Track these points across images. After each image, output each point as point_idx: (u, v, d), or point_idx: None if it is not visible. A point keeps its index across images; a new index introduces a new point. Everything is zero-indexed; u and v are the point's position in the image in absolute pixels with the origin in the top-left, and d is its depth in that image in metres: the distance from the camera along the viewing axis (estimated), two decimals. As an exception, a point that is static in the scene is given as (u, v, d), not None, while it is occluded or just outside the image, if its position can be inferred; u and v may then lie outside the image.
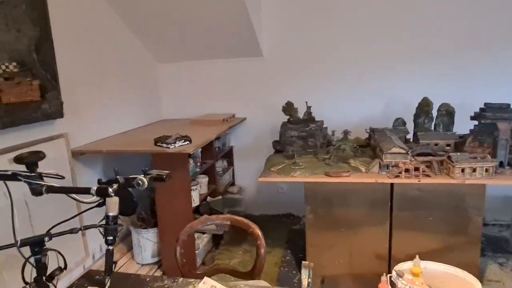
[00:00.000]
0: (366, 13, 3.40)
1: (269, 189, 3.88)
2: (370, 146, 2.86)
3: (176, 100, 3.95)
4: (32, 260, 1.33)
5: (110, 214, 1.37)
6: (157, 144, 2.59)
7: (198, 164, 3.08)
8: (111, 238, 1.40)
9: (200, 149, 3.15)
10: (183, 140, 2.57)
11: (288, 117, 2.95)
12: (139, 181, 1.13)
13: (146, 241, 2.91)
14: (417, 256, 1.47)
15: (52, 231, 1.36)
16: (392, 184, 2.41)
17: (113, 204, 1.35)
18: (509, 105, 2.62)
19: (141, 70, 3.61)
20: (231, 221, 1.82)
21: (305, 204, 2.55)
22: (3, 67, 2.03)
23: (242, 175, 3.95)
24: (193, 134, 2.91)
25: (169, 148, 2.50)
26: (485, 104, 2.72)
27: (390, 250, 2.54)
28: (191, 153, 2.48)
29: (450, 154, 2.26)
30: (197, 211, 3.17)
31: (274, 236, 3.53)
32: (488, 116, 2.62)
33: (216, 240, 3.32)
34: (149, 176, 1.18)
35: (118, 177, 1.14)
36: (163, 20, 3.24)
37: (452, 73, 3.37)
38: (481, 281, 2.65)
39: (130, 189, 1.32)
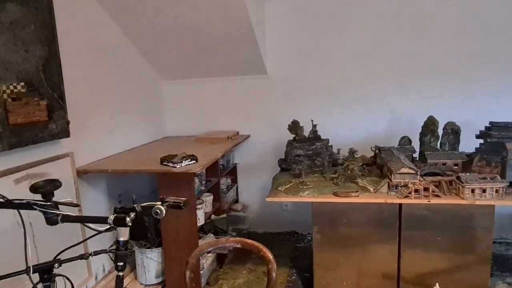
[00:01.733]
0: (370, 31, 3.44)
1: (273, 206, 3.85)
2: (376, 165, 2.85)
3: (180, 117, 3.95)
4: (40, 286, 1.30)
5: (121, 239, 1.35)
6: (163, 163, 2.57)
7: (203, 182, 3.06)
8: (121, 264, 1.37)
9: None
10: (189, 159, 2.55)
11: (294, 135, 2.95)
12: (157, 210, 1.11)
13: (150, 261, 2.86)
14: (437, 284, 1.44)
15: (61, 256, 1.33)
16: (400, 204, 2.39)
17: (124, 230, 1.33)
18: (515, 123, 2.62)
19: (146, 87, 3.61)
20: (242, 244, 1.79)
21: (312, 224, 2.52)
22: (11, 87, 2.02)
23: (246, 193, 3.92)
24: (198, 152, 2.90)
25: (175, 167, 2.48)
26: (491, 122, 2.73)
27: (398, 270, 2.51)
28: (198, 172, 2.46)
29: (460, 174, 2.25)
30: (202, 229, 3.14)
31: (278, 254, 3.48)
32: (494, 135, 2.63)
33: (220, 259, 3.27)
34: (167, 204, 1.16)
35: (135, 205, 1.12)
36: (169, 38, 3.26)
37: (456, 91, 3.39)
38: (491, 303, 2.62)
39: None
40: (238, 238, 1.83)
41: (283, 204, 3.86)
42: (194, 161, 2.59)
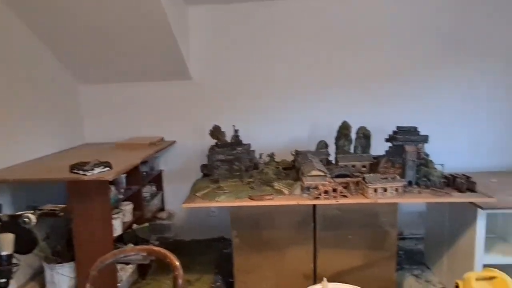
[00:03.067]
0: (293, 40, 3.57)
1: (199, 213, 3.81)
2: (295, 168, 2.95)
3: (100, 123, 3.77)
4: None
5: (3, 253, 1.24)
6: (73, 171, 2.43)
7: (122, 190, 2.93)
8: (4, 281, 1.26)
9: (125, 175, 3.02)
10: (102, 166, 2.44)
11: (215, 140, 2.95)
12: (25, 219, 1.04)
13: (62, 277, 2.66)
14: (324, 279, 1.51)
15: None
16: (314, 205, 2.49)
17: (5, 242, 1.23)
18: (416, 128, 2.87)
19: (60, 91, 3.39)
20: (148, 252, 1.73)
21: (231, 228, 2.54)
22: None
23: (173, 200, 3.83)
24: (116, 159, 2.78)
25: (86, 175, 2.35)
26: (397, 127, 2.96)
27: (315, 269, 2.60)
28: (110, 180, 2.35)
29: (364, 175, 2.40)
30: (121, 240, 3.00)
31: (204, 261, 3.46)
32: (399, 139, 2.84)
33: (142, 269, 3.15)
34: (40, 212, 1.08)
35: (0, 214, 1.04)
36: (86, 41, 3.11)
37: (372, 98, 3.63)
38: (397, 294, 2.82)
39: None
40: (144, 246, 1.77)
41: (211, 210, 3.83)
42: (108, 168, 2.47)
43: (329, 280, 2.52)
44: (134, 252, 1.74)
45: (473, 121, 3.61)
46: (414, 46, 3.53)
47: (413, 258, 3.39)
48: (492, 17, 3.45)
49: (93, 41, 3.12)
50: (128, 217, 2.96)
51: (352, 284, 2.38)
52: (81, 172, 2.38)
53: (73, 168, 2.44)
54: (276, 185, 2.52)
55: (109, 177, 2.34)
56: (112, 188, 2.73)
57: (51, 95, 3.24)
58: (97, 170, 2.40)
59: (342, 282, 2.42)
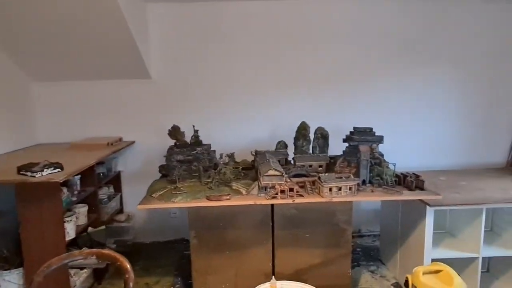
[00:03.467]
0: (253, 40, 3.60)
1: (160, 214, 3.75)
2: (254, 168, 2.96)
3: (55, 123, 3.61)
4: None
5: None
6: (21, 172, 2.32)
7: (75, 192, 2.83)
8: None
9: (79, 176, 2.92)
10: (52, 168, 2.34)
11: (174, 141, 2.91)
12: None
13: (9, 285, 2.53)
14: (273, 277, 1.53)
15: None
16: (272, 205, 2.52)
17: None
18: (371, 128, 2.97)
19: (10, 89, 3.22)
20: (97, 255, 1.68)
21: (189, 229, 2.51)
22: None
23: (132, 202, 3.73)
24: (69, 159, 2.69)
25: (34, 177, 2.26)
26: (354, 128, 3.05)
27: (273, 268, 2.63)
28: (61, 181, 2.27)
29: (320, 175, 2.45)
30: (75, 244, 2.89)
31: (164, 263, 3.40)
32: (355, 139, 2.93)
33: (99, 274, 3.06)
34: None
35: None
36: (38, 36, 2.98)
37: (331, 99, 3.72)
38: (354, 290, 2.91)
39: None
40: (93, 250, 1.72)
41: (172, 211, 3.78)
42: (59, 169, 2.38)
43: (288, 279, 2.57)
44: (83, 256, 1.69)
45: (426, 122, 3.79)
46: (371, 50, 3.66)
47: (369, 255, 3.51)
48: (444, 23, 3.64)
49: (46, 36, 2.99)
50: (83, 220, 2.86)
51: (310, 282, 2.44)
52: (29, 173, 2.27)
53: (21, 169, 2.33)
54: (234, 185, 2.52)
55: (60, 178, 2.26)
56: (65, 190, 2.63)
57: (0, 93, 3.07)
58: (46, 172, 2.30)
59: (300, 281, 2.47)
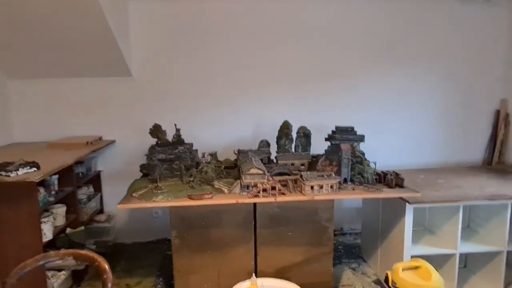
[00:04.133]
0: (236, 39, 3.59)
1: (142, 214, 3.70)
2: (237, 167, 2.95)
3: (32, 121, 3.52)
4: None
5: None
6: (-5, 172, 2.24)
7: (53, 192, 2.76)
8: None
9: (57, 176, 2.85)
10: (28, 167, 2.28)
11: (156, 139, 2.87)
12: None
13: (-18, 288, 2.45)
14: (253, 275, 1.53)
15: None
16: (255, 204, 2.51)
17: None
18: (353, 128, 3.00)
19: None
20: (74, 256, 1.64)
21: (171, 228, 2.49)
22: None
23: (112, 202, 3.66)
24: (46, 159, 2.62)
25: (9, 176, 2.19)
26: (336, 127, 3.07)
27: (256, 267, 2.62)
28: (37, 181, 2.20)
29: (302, 173, 2.46)
30: (53, 245, 2.82)
31: (146, 264, 3.36)
32: (337, 138, 2.95)
33: (78, 275, 2.99)
34: None
35: None
36: (14, 32, 2.89)
37: (314, 98, 3.74)
38: (336, 287, 2.93)
39: None
40: (70, 250, 1.68)
41: (154, 211, 3.74)
42: (35, 169, 2.32)
43: (270, 277, 2.57)
44: (59, 257, 1.65)
45: (406, 121, 3.86)
46: (352, 49, 3.70)
47: (351, 252, 3.54)
48: (423, 24, 3.71)
49: (22, 33, 2.91)
50: (61, 221, 2.80)
51: (292, 279, 2.44)
52: (3, 173, 2.21)
53: (-5, 169, 2.26)
54: (217, 184, 2.51)
55: (36, 178, 2.20)
56: (41, 190, 2.56)
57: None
58: (22, 171, 2.24)
59: (283, 278, 2.47)
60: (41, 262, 1.60)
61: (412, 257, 2.64)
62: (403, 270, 2.25)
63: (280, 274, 2.60)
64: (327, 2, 3.58)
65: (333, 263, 2.68)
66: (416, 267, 2.28)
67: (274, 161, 3.03)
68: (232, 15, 3.54)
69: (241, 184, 2.40)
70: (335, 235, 3.69)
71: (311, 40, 3.65)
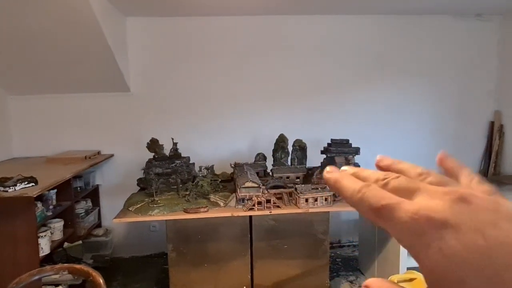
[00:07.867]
0: (232, 55, 3.65)
1: (140, 228, 3.70)
2: (233, 181, 2.98)
3: (31, 136, 3.56)
4: None
5: None
6: (-7, 187, 2.27)
7: (51, 207, 2.78)
8: None
9: (55, 190, 2.87)
10: (26, 182, 2.31)
11: (153, 154, 2.91)
12: None
13: (-21, 303, 2.45)
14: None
15: None
16: (251, 217, 2.53)
17: None
18: (348, 140, 3.04)
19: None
20: (69, 270, 1.66)
21: (167, 242, 2.50)
22: None
23: (110, 216, 3.63)
24: (44, 173, 2.65)
25: (7, 191, 2.22)
26: (331, 140, 3.11)
27: (252, 280, 2.63)
28: (34, 196, 2.23)
29: (296, 186, 2.49)
30: (51, 260, 2.83)
31: (143, 278, 3.35)
32: (333, 150, 2.99)
33: (75, 291, 2.99)
34: None
35: None
36: (14, 49, 2.95)
37: (309, 112, 3.79)
38: (332, 301, 2.92)
39: None
40: (65, 265, 1.70)
41: (151, 225, 3.74)
42: (33, 184, 2.35)
43: (267, 290, 2.58)
44: (54, 271, 1.66)
45: (399, 134, 3.89)
46: (346, 64, 3.76)
47: (349, 265, 3.53)
48: (416, 38, 3.78)
49: (21, 49, 2.97)
50: (58, 235, 2.81)
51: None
52: (1, 188, 2.24)
53: (-7, 184, 2.28)
54: (212, 197, 2.53)
55: (34, 193, 2.22)
56: (39, 204, 2.58)
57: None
58: (20, 186, 2.27)
59: (279, 292, 2.48)
60: (36, 277, 1.62)
61: (408, 269, 2.64)
62: (398, 282, 2.25)
63: (276, 287, 2.60)
64: (320, 18, 3.66)
65: (330, 276, 2.68)
66: (411, 279, 2.28)
67: (270, 174, 3.06)
68: (227, 32, 3.62)
69: (236, 197, 2.43)
70: (333, 247, 3.70)
71: (305, 55, 3.71)
